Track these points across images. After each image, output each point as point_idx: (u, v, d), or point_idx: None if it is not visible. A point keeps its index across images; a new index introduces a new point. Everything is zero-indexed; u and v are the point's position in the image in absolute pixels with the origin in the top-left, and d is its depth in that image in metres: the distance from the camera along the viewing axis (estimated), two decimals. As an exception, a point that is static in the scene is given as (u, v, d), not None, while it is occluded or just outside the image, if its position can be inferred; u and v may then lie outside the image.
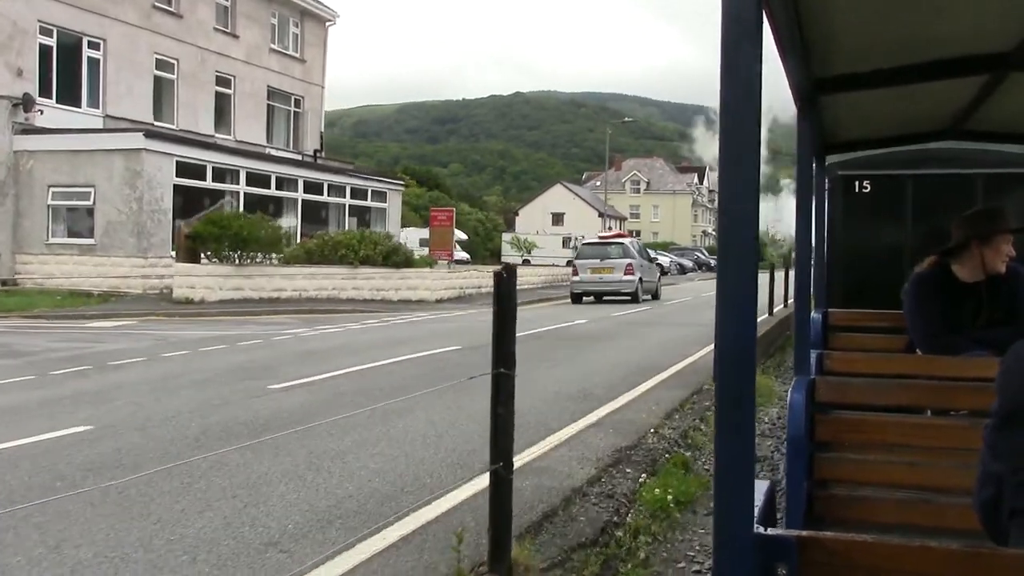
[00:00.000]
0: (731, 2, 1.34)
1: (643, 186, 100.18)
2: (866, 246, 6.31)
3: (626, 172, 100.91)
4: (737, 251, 1.36)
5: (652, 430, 7.32)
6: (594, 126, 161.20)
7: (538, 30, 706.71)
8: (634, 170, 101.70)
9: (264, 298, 22.39)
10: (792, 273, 18.30)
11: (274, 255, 23.81)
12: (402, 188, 37.20)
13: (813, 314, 4.46)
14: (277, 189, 28.25)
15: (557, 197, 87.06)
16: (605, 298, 26.28)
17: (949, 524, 2.66)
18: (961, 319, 4.06)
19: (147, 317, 19.17)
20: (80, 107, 25.84)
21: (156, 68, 28.25)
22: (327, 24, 36.62)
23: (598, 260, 26.27)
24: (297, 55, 34.99)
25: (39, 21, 24.41)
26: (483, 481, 4.51)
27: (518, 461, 6.07)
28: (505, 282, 3.95)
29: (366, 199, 32.32)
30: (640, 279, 26.19)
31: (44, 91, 24.67)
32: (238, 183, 26.58)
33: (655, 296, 27.96)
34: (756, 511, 1.50)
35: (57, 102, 25.03)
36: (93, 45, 26.15)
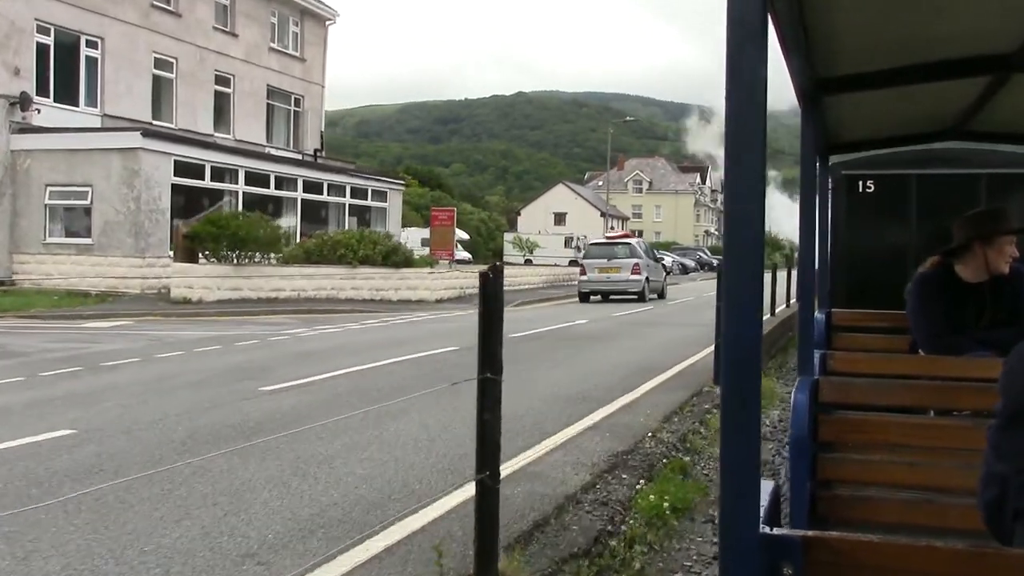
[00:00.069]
0: (736, 3, 1.34)
1: (645, 186, 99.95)
2: (869, 246, 6.30)
3: (628, 172, 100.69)
4: (742, 251, 1.36)
5: (650, 434, 7.15)
6: (596, 126, 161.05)
7: (540, 29, 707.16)
8: (636, 170, 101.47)
9: (262, 298, 22.24)
10: (794, 273, 18.19)
11: (272, 255, 23.66)
12: (402, 188, 37.05)
13: (816, 314, 4.44)
14: (276, 189, 28.09)
15: (559, 197, 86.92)
16: (612, 297, 26.60)
17: (952, 524, 2.64)
18: (964, 320, 4.02)
19: (144, 317, 19.03)
20: (78, 106, 25.70)
21: (155, 67, 28.10)
22: (327, 23, 36.47)
23: (605, 260, 26.70)
24: (297, 54, 34.84)
25: (36, 20, 24.26)
26: (473, 488, 4.33)
27: (511, 466, 5.93)
28: (491, 282, 3.77)
29: (366, 199, 32.17)
30: (647, 278, 26.63)
31: (41, 90, 24.53)
32: (237, 182, 26.43)
33: (661, 295, 28.39)
34: (761, 511, 1.49)
35: (55, 101, 24.90)
36: (91, 44, 26.01)
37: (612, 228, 63.62)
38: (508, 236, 60.55)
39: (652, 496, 5.21)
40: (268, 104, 33.31)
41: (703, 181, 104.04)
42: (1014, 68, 3.03)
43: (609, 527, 4.81)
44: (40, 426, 7.13)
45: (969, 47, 2.92)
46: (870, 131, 4.59)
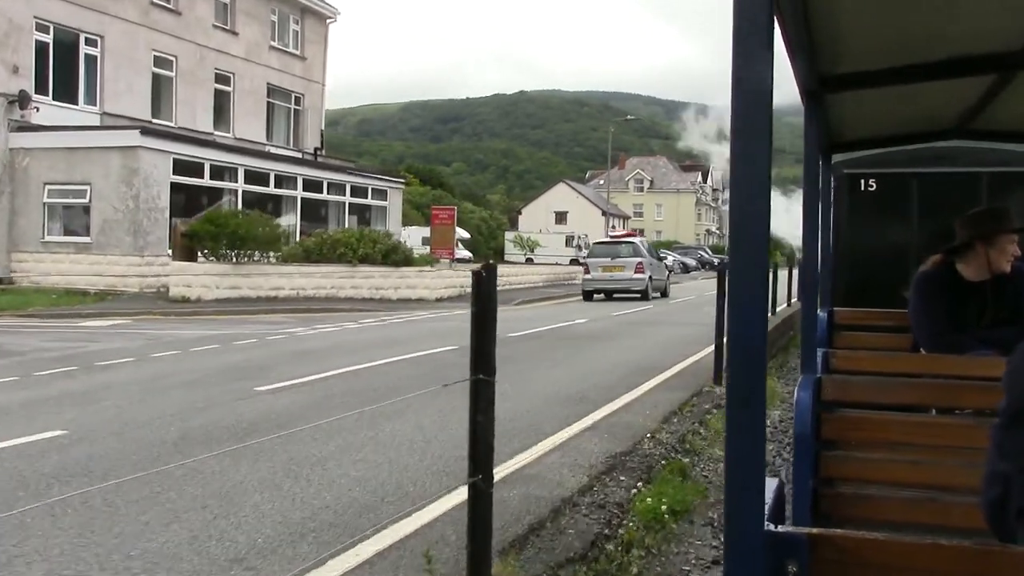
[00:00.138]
0: (742, 2, 1.35)
1: (646, 185, 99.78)
2: (871, 245, 6.31)
3: (629, 171, 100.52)
4: (748, 249, 1.36)
5: (649, 435, 7.05)
6: (597, 125, 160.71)
7: (541, 29, 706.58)
8: (637, 169, 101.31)
9: (261, 297, 22.16)
10: (795, 272, 18.09)
11: (272, 254, 23.56)
12: (403, 186, 36.94)
13: (818, 313, 4.41)
14: (276, 187, 28.00)
15: (560, 196, 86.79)
16: (615, 296, 26.81)
17: (954, 523, 2.65)
18: (966, 318, 4.03)
19: (142, 316, 18.94)
20: (77, 104, 25.62)
21: (154, 65, 28.00)
22: (327, 21, 36.37)
23: (609, 259, 27.04)
24: (297, 52, 34.74)
25: (36, 18, 24.18)
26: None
27: (507, 468, 5.84)
28: (484, 281, 3.67)
29: (366, 197, 32.07)
30: (650, 277, 26.98)
31: (40, 88, 24.44)
32: (236, 181, 26.33)
33: (664, 294, 28.73)
34: (766, 509, 1.48)
35: (54, 99, 24.81)
36: (91, 42, 25.93)
37: (614, 227, 63.53)
38: (509, 235, 60.53)
39: (650, 499, 5.11)
40: (268, 102, 33.22)
41: (704, 180, 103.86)
42: (1018, 67, 3.04)
43: (606, 531, 4.72)
44: (31, 427, 7.03)
45: (973, 46, 2.92)
46: (873, 129, 4.59)
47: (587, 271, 27.41)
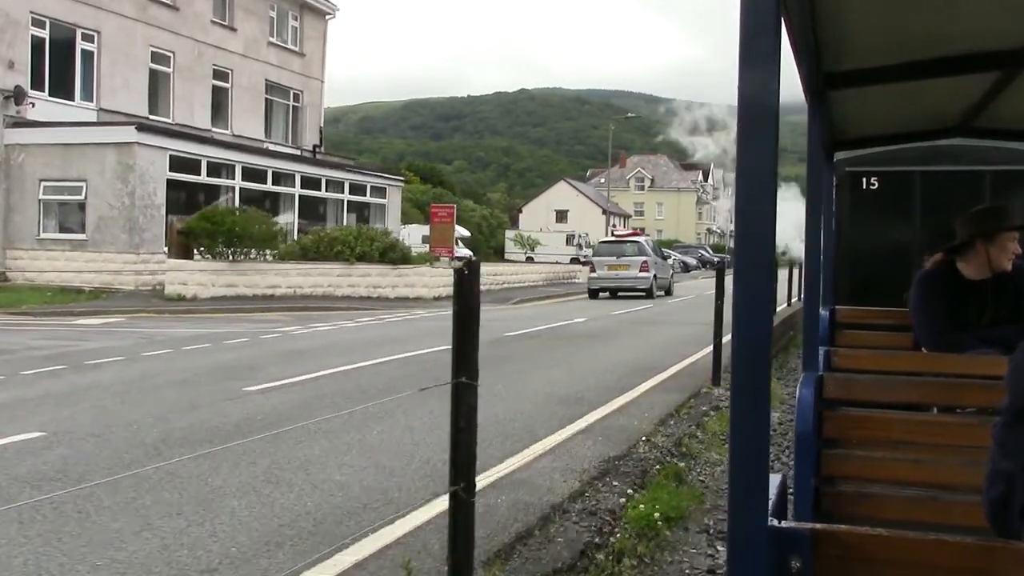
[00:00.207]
0: (749, 3, 1.35)
1: (647, 183, 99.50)
2: (873, 243, 6.28)
3: (630, 169, 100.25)
4: (753, 249, 1.37)
5: (644, 438, 6.86)
6: (598, 123, 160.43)
7: (543, 27, 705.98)
8: (638, 167, 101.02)
9: (258, 295, 21.98)
10: (794, 272, 17.90)
11: (269, 251, 23.37)
12: (402, 184, 36.72)
13: (820, 311, 4.35)
14: (274, 184, 27.80)
15: (561, 194, 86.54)
16: (619, 294, 26.97)
17: (956, 521, 2.63)
18: (967, 317, 4.01)
19: (137, 314, 18.76)
20: (73, 100, 25.43)
21: (152, 61, 27.79)
22: (327, 17, 36.16)
23: (614, 257, 27.31)
24: (296, 49, 34.53)
25: (31, 12, 23.98)
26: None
27: (497, 473, 5.65)
28: (467, 279, 3.49)
29: (365, 195, 31.87)
30: (655, 276, 27.26)
31: (36, 84, 24.23)
32: (234, 178, 26.12)
33: (668, 292, 29.03)
34: (770, 504, 1.48)
35: (49, 95, 24.61)
36: (87, 37, 25.73)
37: (615, 227, 63.29)
38: (510, 233, 60.33)
39: (643, 505, 4.93)
40: (266, 99, 33.01)
41: (705, 179, 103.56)
42: (1022, 64, 3.04)
43: (597, 539, 4.53)
44: (10, 428, 6.85)
45: (977, 43, 2.92)
46: (876, 127, 4.59)
47: (593, 270, 27.64)
